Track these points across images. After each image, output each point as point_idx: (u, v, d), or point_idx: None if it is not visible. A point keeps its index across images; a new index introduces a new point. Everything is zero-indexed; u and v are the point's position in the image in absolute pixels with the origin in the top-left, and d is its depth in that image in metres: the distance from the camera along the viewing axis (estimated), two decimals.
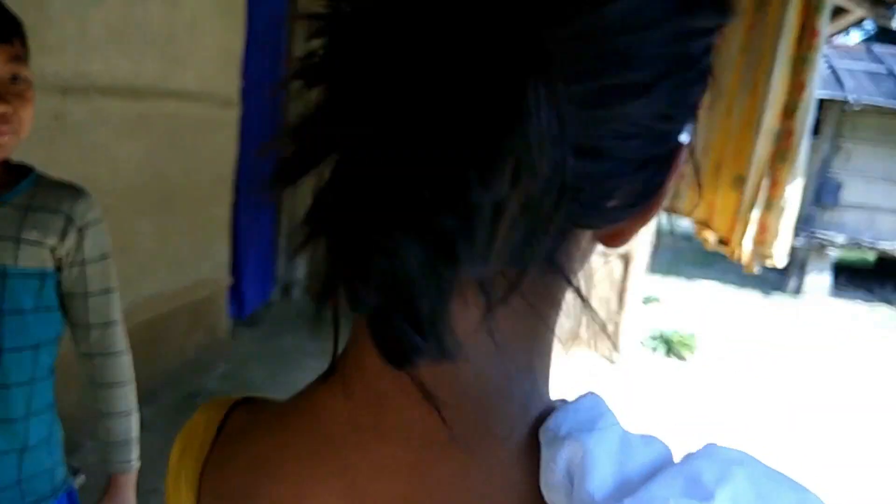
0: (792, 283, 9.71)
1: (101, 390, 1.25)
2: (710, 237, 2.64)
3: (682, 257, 11.90)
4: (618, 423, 0.33)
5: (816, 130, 9.76)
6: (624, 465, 0.30)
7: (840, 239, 9.53)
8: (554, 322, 0.36)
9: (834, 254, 9.70)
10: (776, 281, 10.10)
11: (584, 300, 0.34)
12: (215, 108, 3.61)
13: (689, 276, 10.03)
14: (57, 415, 1.23)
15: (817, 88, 2.29)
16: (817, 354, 6.56)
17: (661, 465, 0.30)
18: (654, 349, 5.79)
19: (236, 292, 4.30)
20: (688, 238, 13.45)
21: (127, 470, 1.27)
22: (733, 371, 5.64)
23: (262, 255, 4.74)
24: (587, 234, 0.34)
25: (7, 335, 1.08)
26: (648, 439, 0.32)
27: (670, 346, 5.82)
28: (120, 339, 1.25)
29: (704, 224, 2.63)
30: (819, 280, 9.56)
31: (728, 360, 5.90)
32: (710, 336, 6.32)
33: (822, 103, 9.52)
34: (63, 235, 1.13)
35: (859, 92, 9.38)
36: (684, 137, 0.34)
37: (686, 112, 0.33)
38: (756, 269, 2.41)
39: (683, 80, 0.31)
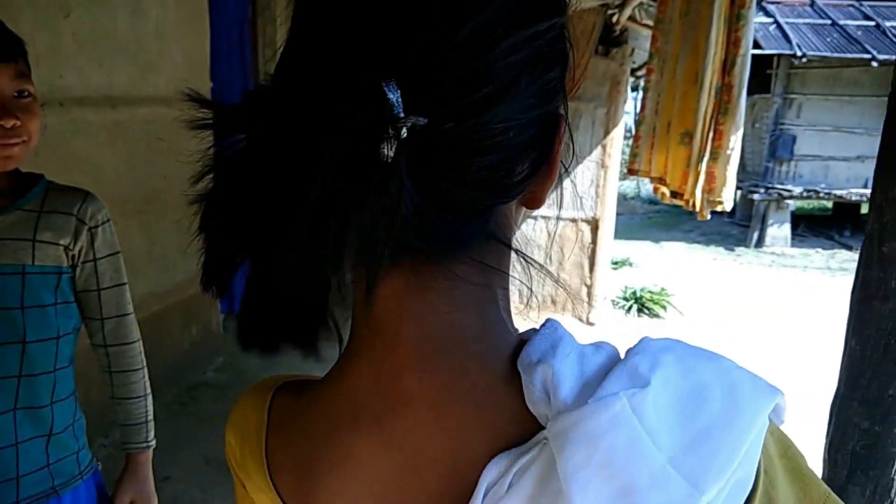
0: (754, 237, 10.08)
1: (117, 377, 1.34)
2: (666, 191, 2.85)
3: (650, 221, 12.25)
4: (574, 341, 0.41)
5: (767, 87, 10.09)
6: (584, 373, 0.39)
7: (797, 190, 9.90)
8: (507, 279, 0.44)
9: (792, 205, 10.08)
10: (739, 235, 10.47)
11: (527, 259, 0.43)
12: (189, 111, 3.71)
13: (657, 239, 10.35)
14: (78, 402, 1.31)
15: (752, 46, 2.48)
16: (781, 304, 6.89)
17: (610, 365, 0.39)
18: (628, 309, 6.05)
19: None
20: (654, 202, 13.83)
21: (144, 449, 1.37)
22: (705, 324, 5.91)
23: None
24: (509, 205, 0.42)
25: (30, 328, 1.17)
26: (598, 346, 0.42)
27: (643, 305, 6.08)
28: (132, 329, 1.34)
29: (660, 181, 2.84)
30: (780, 231, 9.94)
31: (699, 313, 6.19)
32: (682, 293, 6.58)
33: (772, 59, 9.83)
34: (75, 235, 1.22)
35: (806, 46, 9.70)
36: (559, 108, 0.42)
37: (549, 92, 0.40)
38: (707, 215, 2.64)
39: (538, 73, 0.38)
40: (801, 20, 10.47)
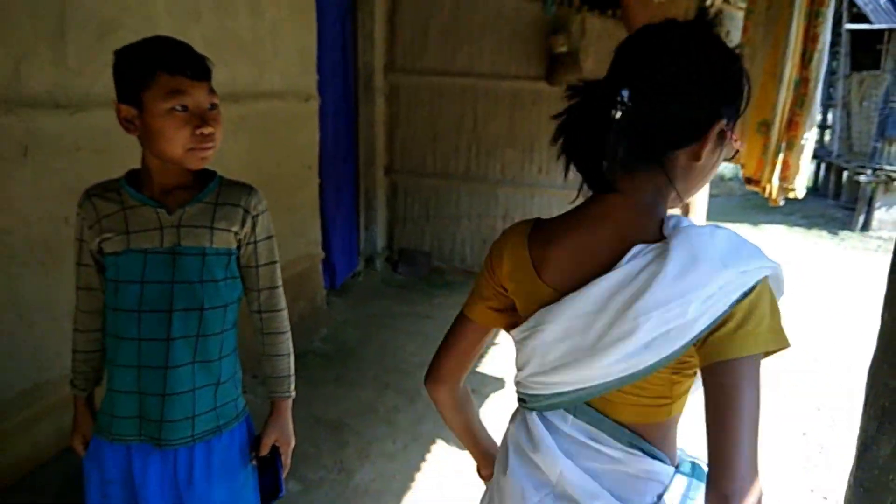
0: (860, 220, 9.59)
1: (268, 338, 1.56)
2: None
3: (749, 203, 11.81)
4: (685, 218, 0.95)
5: (877, 63, 9.50)
6: (687, 222, 0.94)
7: None
8: (669, 189, 0.95)
9: None
10: (844, 219, 9.98)
11: (671, 182, 0.95)
12: (299, 103, 4.04)
13: (756, 222, 10.03)
14: (238, 359, 1.54)
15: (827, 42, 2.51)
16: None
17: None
18: None
19: (328, 265, 4.79)
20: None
21: (287, 397, 1.59)
22: (810, 308, 5.77)
23: (347, 232, 5.21)
24: (680, 154, 0.93)
25: (206, 298, 1.40)
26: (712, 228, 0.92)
27: None
28: (281, 298, 1.56)
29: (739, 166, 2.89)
30: (888, 215, 9.41)
31: (802, 297, 6.02)
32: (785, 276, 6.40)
33: (882, 34, 9.25)
34: (242, 223, 1.44)
35: None
36: (720, 115, 0.91)
37: (718, 106, 0.92)
38: (781, 202, 2.69)
39: (721, 96, 0.92)
40: None
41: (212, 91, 1.37)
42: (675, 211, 0.99)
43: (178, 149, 1.32)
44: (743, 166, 2.82)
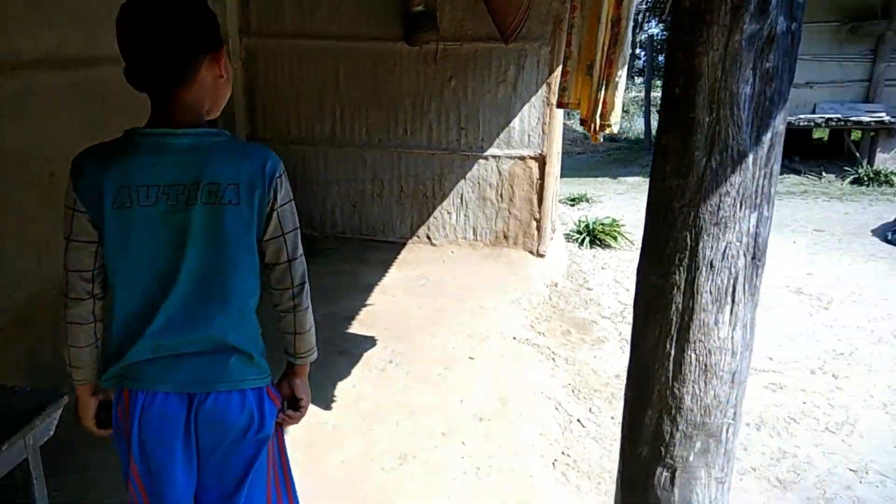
0: None
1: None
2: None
3: (610, 158, 12.55)
4: None
5: None
6: None
7: None
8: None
9: None
10: None
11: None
12: None
13: (615, 175, 10.66)
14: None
15: None
16: None
17: None
18: (581, 241, 6.38)
19: None
20: (614, 139, 14.07)
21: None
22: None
23: None
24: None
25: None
26: None
27: (595, 237, 6.41)
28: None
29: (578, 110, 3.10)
30: None
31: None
32: (633, 224, 6.86)
33: None
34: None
35: None
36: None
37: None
38: (600, 139, 2.93)
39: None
40: None
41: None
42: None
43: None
44: (579, 109, 3.02)
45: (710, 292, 1.19)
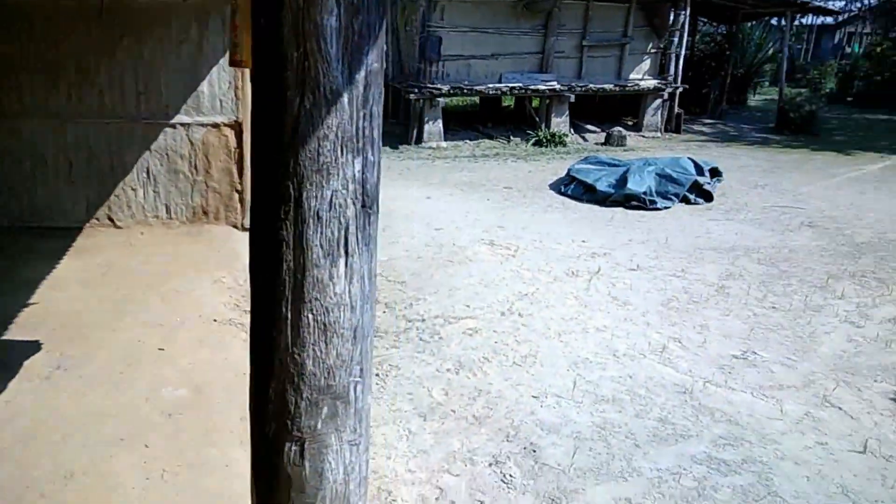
0: (414, 134, 10.94)
1: None
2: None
3: None
4: None
5: None
6: None
7: (446, 88, 10.89)
8: None
9: (443, 102, 11.09)
10: (402, 134, 11.26)
11: None
12: None
13: None
14: None
15: None
16: (438, 178, 7.70)
17: None
18: None
19: None
20: None
21: None
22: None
23: None
24: None
25: None
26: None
27: None
28: None
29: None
30: (434, 127, 10.92)
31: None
32: None
33: None
34: None
35: None
36: None
37: None
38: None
39: None
40: None
41: None
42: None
43: None
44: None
45: (321, 246, 1.10)
